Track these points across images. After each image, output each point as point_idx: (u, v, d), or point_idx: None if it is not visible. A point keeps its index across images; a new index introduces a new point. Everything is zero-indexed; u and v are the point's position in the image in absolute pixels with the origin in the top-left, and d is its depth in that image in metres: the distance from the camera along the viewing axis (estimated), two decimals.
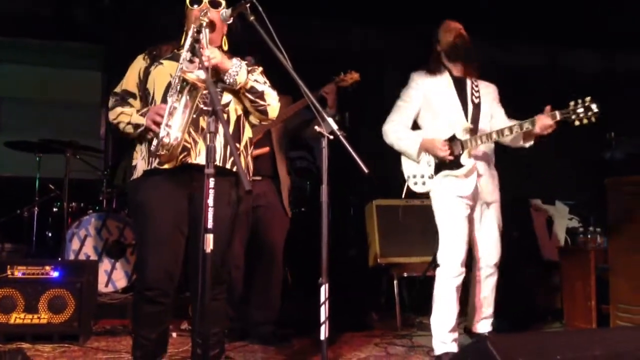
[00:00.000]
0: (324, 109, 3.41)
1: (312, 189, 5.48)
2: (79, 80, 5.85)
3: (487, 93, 3.26)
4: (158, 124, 2.28)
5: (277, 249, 3.57)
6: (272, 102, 2.52)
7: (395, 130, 3.21)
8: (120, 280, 4.33)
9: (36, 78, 5.78)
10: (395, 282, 4.19)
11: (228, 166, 2.42)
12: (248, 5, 2.35)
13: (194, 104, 2.27)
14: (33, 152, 4.64)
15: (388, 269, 4.32)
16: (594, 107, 2.88)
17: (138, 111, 2.45)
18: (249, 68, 2.52)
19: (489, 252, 3.21)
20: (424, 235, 4.06)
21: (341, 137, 2.21)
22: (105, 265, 4.31)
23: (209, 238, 2.06)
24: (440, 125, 3.15)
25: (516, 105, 3.35)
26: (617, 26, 5.21)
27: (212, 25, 2.41)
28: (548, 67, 6.34)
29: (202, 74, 2.18)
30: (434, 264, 3.73)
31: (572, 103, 2.95)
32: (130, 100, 2.50)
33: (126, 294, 4.23)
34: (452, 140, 3.13)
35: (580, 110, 2.90)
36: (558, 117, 2.95)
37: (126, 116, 2.44)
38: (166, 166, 2.35)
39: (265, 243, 3.53)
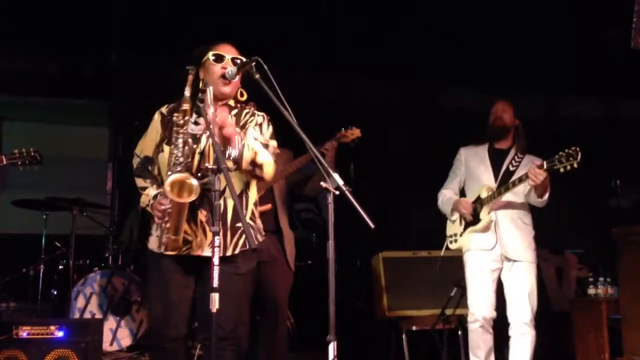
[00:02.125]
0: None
1: (317, 241, 5.47)
2: (85, 136, 5.93)
3: (528, 163, 3.49)
4: (161, 219, 2.37)
5: (281, 305, 3.53)
6: (269, 169, 2.54)
7: (442, 195, 3.70)
8: (125, 338, 4.27)
9: (43, 135, 5.85)
10: (404, 335, 4.12)
11: (229, 253, 2.46)
12: (254, 63, 2.40)
13: (186, 208, 2.34)
14: (40, 209, 4.66)
15: (396, 322, 4.25)
16: (574, 154, 3.12)
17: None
18: (252, 121, 2.58)
19: (518, 310, 3.38)
20: (433, 287, 4.03)
21: (347, 193, 2.21)
22: (110, 323, 4.26)
23: (215, 297, 2.06)
24: (475, 189, 3.59)
25: None
26: (619, 73, 5.29)
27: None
28: (549, 116, 6.40)
29: (195, 183, 2.26)
30: (443, 317, 3.72)
31: (558, 154, 3.19)
32: (150, 168, 2.56)
33: (131, 352, 4.17)
34: (477, 200, 3.52)
35: (564, 158, 3.15)
36: (545, 166, 3.21)
37: (146, 198, 2.52)
38: (171, 252, 2.44)
39: (269, 299, 3.50)
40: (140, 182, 2.56)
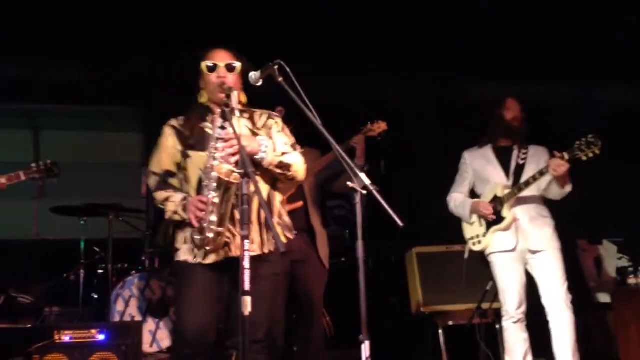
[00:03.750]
0: (352, 160, 3.48)
1: (351, 238, 5.46)
2: (119, 142, 6.04)
3: (535, 154, 3.57)
4: (199, 219, 2.35)
5: (316, 303, 3.55)
6: (299, 169, 2.57)
7: (453, 199, 3.72)
8: (164, 340, 4.35)
9: (79, 143, 5.99)
10: (440, 331, 4.10)
11: (266, 250, 2.48)
12: (276, 67, 2.41)
13: (231, 196, 2.34)
14: (78, 216, 4.77)
15: (432, 318, 4.23)
16: (595, 140, 3.14)
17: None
18: (270, 124, 2.59)
19: (552, 294, 3.39)
20: (468, 281, 4.00)
21: (374, 192, 2.21)
22: (149, 325, 4.34)
23: (247, 300, 2.08)
24: (488, 189, 3.60)
25: (551, 144, 3.47)
26: None
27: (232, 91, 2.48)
28: (581, 104, 6.26)
29: (235, 174, 2.25)
30: (480, 311, 3.70)
31: (577, 142, 3.18)
32: (171, 180, 2.57)
33: (170, 353, 4.23)
34: (495, 200, 3.51)
35: (584, 145, 3.16)
36: (567, 157, 3.21)
37: (172, 204, 2.50)
38: (209, 261, 2.44)
39: (304, 297, 3.52)
40: (161, 194, 2.54)
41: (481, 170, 3.64)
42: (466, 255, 3.66)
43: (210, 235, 2.34)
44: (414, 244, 4.51)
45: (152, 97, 5.46)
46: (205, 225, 2.35)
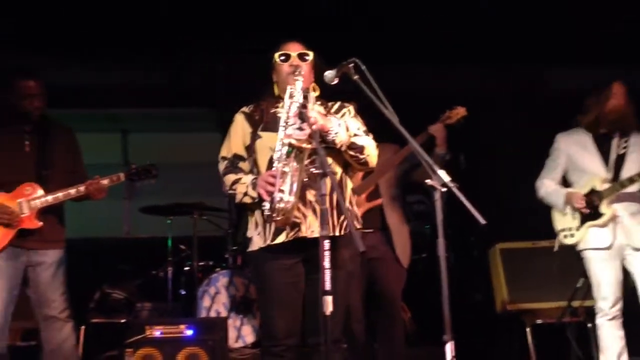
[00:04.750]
0: (433, 149, 3.42)
1: (431, 233, 5.38)
2: (201, 142, 6.22)
3: (636, 143, 3.35)
4: (270, 192, 2.35)
5: (394, 301, 3.53)
6: (372, 152, 2.55)
7: (544, 186, 3.51)
8: (249, 335, 4.45)
9: (163, 144, 6.23)
10: (528, 329, 3.97)
11: (338, 233, 2.46)
12: (351, 65, 2.40)
13: (302, 167, 2.33)
14: (164, 215, 4.96)
15: (518, 316, 4.10)
16: None
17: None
18: (343, 112, 2.59)
19: None
20: (557, 278, 3.85)
21: (454, 190, 2.16)
22: (234, 321, 4.45)
23: (328, 300, 2.09)
24: (583, 180, 3.41)
25: None
26: None
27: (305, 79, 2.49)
28: None
29: (307, 141, 2.25)
30: (571, 309, 3.57)
31: None
32: (241, 164, 2.60)
33: (255, 348, 4.33)
34: (592, 193, 3.34)
35: None
36: None
37: (242, 186, 2.51)
38: (279, 241, 2.43)
39: (383, 295, 3.51)
40: (231, 177, 2.55)
41: (576, 157, 3.44)
42: (556, 248, 3.48)
43: (281, 205, 2.31)
44: (497, 239, 4.39)
45: (228, 98, 5.60)
46: (275, 196, 2.32)
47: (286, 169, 2.32)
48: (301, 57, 2.57)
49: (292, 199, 2.32)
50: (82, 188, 3.13)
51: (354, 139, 2.51)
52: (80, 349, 4.12)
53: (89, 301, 4.63)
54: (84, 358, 4.17)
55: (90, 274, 4.77)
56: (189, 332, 3.64)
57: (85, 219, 5.56)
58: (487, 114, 5.07)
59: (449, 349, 2.14)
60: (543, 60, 5.39)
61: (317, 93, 2.64)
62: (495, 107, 5.47)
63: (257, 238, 2.51)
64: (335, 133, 2.45)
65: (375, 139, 2.67)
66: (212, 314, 4.48)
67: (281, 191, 2.31)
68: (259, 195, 2.41)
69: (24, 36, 4.82)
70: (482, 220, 2.11)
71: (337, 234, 2.46)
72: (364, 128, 2.62)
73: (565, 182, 3.52)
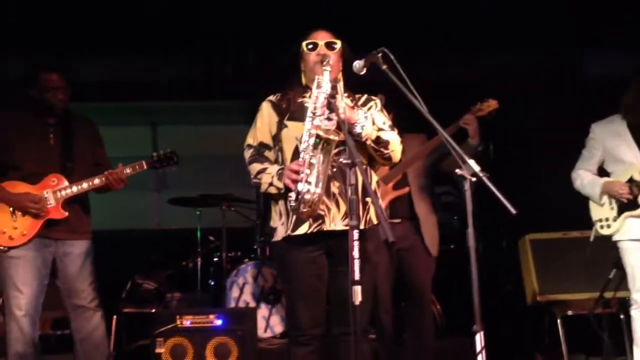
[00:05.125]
0: (465, 140, 3.40)
1: (459, 224, 5.35)
2: (230, 135, 6.25)
3: None
4: (296, 181, 2.34)
5: (424, 291, 3.52)
6: (396, 148, 2.53)
7: (580, 177, 3.47)
8: (277, 325, 4.48)
9: (193, 136, 6.28)
10: (559, 321, 3.92)
11: (362, 226, 2.43)
12: (380, 54, 2.39)
13: (329, 158, 2.32)
14: (193, 206, 5.02)
15: (549, 307, 4.06)
16: None
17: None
18: (369, 105, 2.58)
19: None
20: (588, 269, 3.79)
21: (485, 179, 2.14)
22: (262, 311, 4.49)
23: (357, 290, 2.09)
24: (621, 170, 3.36)
25: None
26: None
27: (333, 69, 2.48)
28: None
29: (334, 133, 2.24)
30: (603, 300, 3.52)
31: None
32: (266, 153, 2.59)
33: (284, 338, 4.36)
34: (631, 182, 3.29)
35: None
36: None
37: (268, 176, 2.50)
38: (300, 232, 2.43)
39: (412, 286, 3.50)
40: (256, 166, 2.54)
41: (613, 147, 3.38)
42: (592, 238, 3.42)
43: (307, 196, 2.30)
44: (527, 230, 4.33)
45: (257, 90, 5.62)
46: (301, 187, 2.31)
47: (313, 161, 2.32)
48: (329, 45, 2.54)
49: (318, 190, 2.31)
50: (97, 181, 3.18)
51: (379, 133, 2.49)
52: (112, 338, 4.21)
53: (120, 291, 4.71)
54: (116, 347, 4.26)
55: (121, 265, 4.85)
56: (219, 322, 3.67)
57: (116, 211, 5.65)
58: (518, 101, 5.00)
59: (479, 339, 2.12)
60: (578, 45, 5.27)
61: (341, 83, 2.62)
62: (527, 94, 5.38)
63: (281, 228, 2.52)
64: (362, 126, 2.44)
65: (403, 129, 2.66)
66: (241, 305, 4.52)
67: (308, 182, 2.31)
68: (285, 185, 2.41)
69: (56, 32, 4.90)
70: (513, 210, 2.09)
71: (362, 227, 2.42)
72: (389, 123, 2.61)
73: (601, 173, 3.46)
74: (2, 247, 3.04)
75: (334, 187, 2.43)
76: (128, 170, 3.24)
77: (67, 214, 3.15)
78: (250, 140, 2.63)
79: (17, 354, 3.07)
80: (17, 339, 3.07)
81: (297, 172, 2.34)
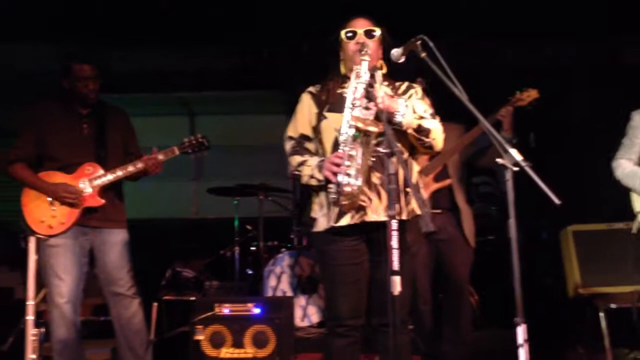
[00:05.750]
0: (499, 133, 3.33)
1: (498, 215, 5.27)
2: (267, 124, 6.30)
3: None
4: (336, 174, 2.33)
5: (462, 282, 3.48)
6: (438, 136, 2.50)
7: (621, 166, 3.35)
8: (314, 315, 4.51)
9: (229, 126, 6.36)
10: (601, 314, 3.83)
11: (404, 217, 2.43)
12: (419, 42, 2.35)
13: (369, 150, 2.31)
14: (231, 196, 5.06)
15: (591, 300, 3.97)
16: None
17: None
18: (410, 93, 2.55)
19: None
20: (633, 261, 3.70)
21: (527, 169, 2.10)
22: (300, 300, 4.52)
23: (396, 280, 2.08)
24: None
25: None
26: None
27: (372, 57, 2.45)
28: None
29: (374, 124, 2.22)
30: None
31: None
32: (307, 145, 2.58)
33: (321, 328, 4.38)
34: None
35: None
36: None
37: (308, 169, 2.50)
38: (343, 223, 2.42)
39: (450, 277, 3.46)
40: (297, 158, 2.54)
41: None
42: (634, 230, 3.29)
43: (347, 189, 2.29)
44: (568, 221, 4.24)
45: (294, 80, 5.63)
46: (341, 180, 2.30)
47: (353, 152, 2.30)
48: (368, 33, 2.51)
49: (358, 182, 2.30)
50: (140, 164, 3.23)
51: (420, 122, 2.45)
52: (153, 325, 4.29)
53: (160, 279, 4.80)
54: (156, 333, 4.34)
55: (161, 253, 4.93)
56: (257, 311, 3.70)
57: (156, 200, 5.76)
58: (560, 89, 4.89)
59: (521, 332, 2.09)
60: (621, 33, 5.12)
61: (384, 71, 2.60)
62: (570, 82, 5.26)
63: (322, 219, 2.51)
64: (402, 115, 2.41)
65: (441, 118, 2.62)
66: (278, 294, 4.55)
67: (348, 175, 2.30)
68: (326, 177, 2.40)
69: (97, 24, 4.98)
70: (557, 201, 2.04)
71: (403, 217, 2.42)
72: (430, 110, 2.56)
73: None
74: (41, 236, 3.11)
75: (375, 178, 2.41)
76: (161, 157, 3.28)
77: (103, 201, 3.21)
78: (290, 131, 2.63)
79: (60, 339, 3.16)
80: (60, 325, 3.15)
81: (337, 165, 2.33)
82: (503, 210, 4.24)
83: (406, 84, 2.65)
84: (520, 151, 2.14)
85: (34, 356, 2.86)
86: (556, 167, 4.78)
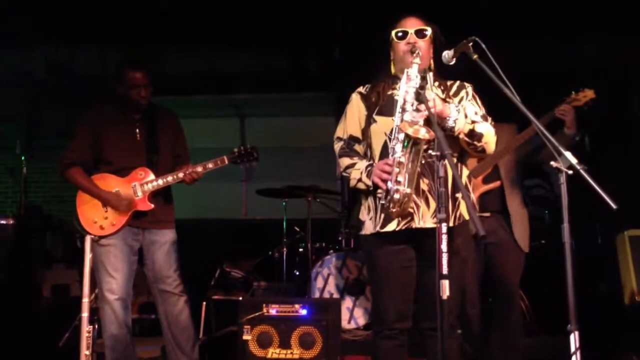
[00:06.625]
0: (561, 129, 3.25)
1: (551, 219, 5.14)
2: (315, 126, 6.33)
3: None
4: (385, 181, 2.32)
5: (512, 287, 3.40)
6: (490, 140, 2.44)
7: None
8: (360, 317, 4.49)
9: (278, 128, 6.41)
10: None
11: (452, 223, 2.40)
12: (470, 44, 2.32)
13: (419, 157, 2.28)
14: (279, 197, 5.10)
15: None
16: None
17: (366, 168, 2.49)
18: (461, 94, 2.51)
19: None
20: None
21: (582, 172, 2.04)
22: (347, 302, 4.51)
23: (445, 284, 2.05)
24: None
25: None
26: None
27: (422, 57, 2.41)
28: None
29: (423, 130, 2.20)
30: None
31: None
32: (356, 147, 2.57)
33: (367, 330, 4.36)
34: None
35: None
36: None
37: (357, 172, 2.49)
38: (389, 229, 2.41)
39: (500, 281, 3.39)
40: (346, 160, 2.53)
41: None
42: None
43: (397, 196, 2.26)
44: (625, 225, 4.10)
45: (344, 82, 5.64)
46: (391, 186, 2.28)
47: (402, 159, 2.28)
48: (419, 33, 2.47)
49: (408, 190, 2.28)
50: (180, 175, 3.30)
51: (472, 126, 2.40)
52: (202, 324, 4.37)
53: (209, 278, 4.87)
54: (205, 332, 4.41)
55: (210, 253, 5.01)
56: (304, 312, 3.71)
57: (206, 201, 5.86)
58: (616, 90, 4.73)
59: (574, 339, 2.04)
60: None
61: (432, 73, 2.56)
62: (628, 82, 5.08)
63: (369, 223, 2.50)
64: (454, 120, 2.37)
65: (493, 118, 2.57)
66: (325, 295, 4.56)
67: (397, 182, 2.27)
68: (374, 183, 2.39)
69: (151, 27, 5.11)
70: (614, 205, 1.98)
71: (451, 224, 2.39)
72: (482, 112, 2.51)
73: None
74: (94, 236, 3.21)
75: (423, 184, 2.39)
76: (210, 165, 3.34)
77: (152, 206, 3.30)
78: (340, 133, 2.62)
79: (111, 335, 3.26)
80: (111, 322, 3.25)
81: (386, 172, 2.32)
82: (556, 213, 4.14)
83: (457, 83, 2.60)
84: (577, 152, 2.08)
85: (88, 352, 2.95)
86: (613, 169, 4.65)
